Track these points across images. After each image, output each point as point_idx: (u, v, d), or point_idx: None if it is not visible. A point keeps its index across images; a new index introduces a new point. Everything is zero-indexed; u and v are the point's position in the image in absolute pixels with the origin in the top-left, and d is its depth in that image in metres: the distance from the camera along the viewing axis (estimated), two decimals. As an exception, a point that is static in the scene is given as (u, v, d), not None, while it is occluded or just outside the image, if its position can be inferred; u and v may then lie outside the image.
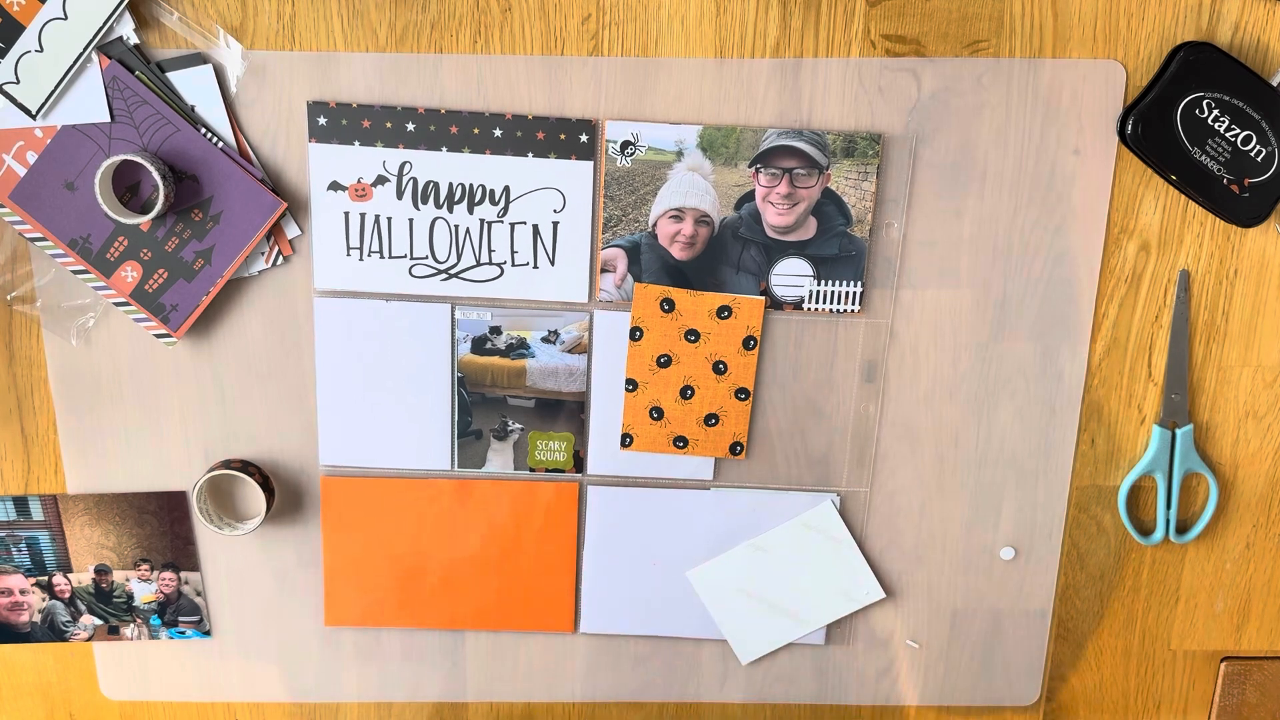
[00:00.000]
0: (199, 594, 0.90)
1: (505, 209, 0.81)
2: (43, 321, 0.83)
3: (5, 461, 0.86)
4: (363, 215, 0.81)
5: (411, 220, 0.81)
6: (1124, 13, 0.79)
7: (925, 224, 0.83)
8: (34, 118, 0.77)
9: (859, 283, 0.83)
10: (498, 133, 0.80)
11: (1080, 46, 0.80)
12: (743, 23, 0.78)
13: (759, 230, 0.82)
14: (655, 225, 0.82)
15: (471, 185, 0.81)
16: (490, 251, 0.82)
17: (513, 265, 0.83)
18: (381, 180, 0.80)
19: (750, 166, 0.81)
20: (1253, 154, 0.80)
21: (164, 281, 0.81)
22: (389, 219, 0.81)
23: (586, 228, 0.82)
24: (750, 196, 0.81)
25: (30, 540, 0.88)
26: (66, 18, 0.75)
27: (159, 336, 0.83)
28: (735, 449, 0.87)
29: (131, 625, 0.91)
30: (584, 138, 0.80)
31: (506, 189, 0.81)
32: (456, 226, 0.82)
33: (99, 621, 0.91)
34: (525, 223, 0.82)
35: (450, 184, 0.81)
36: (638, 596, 0.90)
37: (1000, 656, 0.93)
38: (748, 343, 0.85)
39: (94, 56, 0.76)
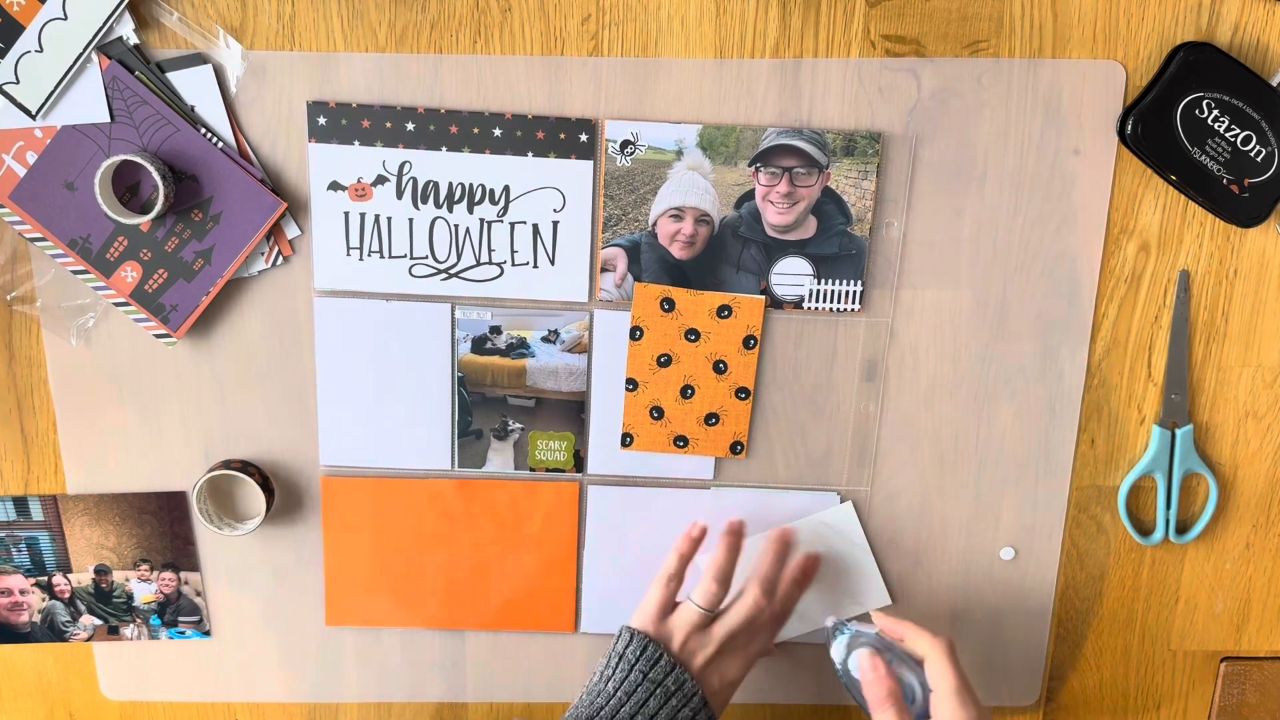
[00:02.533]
0: (199, 594, 0.90)
1: (505, 209, 0.81)
2: (43, 321, 0.83)
3: (5, 461, 0.86)
4: (363, 215, 0.81)
5: (411, 220, 0.81)
6: (1124, 13, 0.79)
7: (925, 224, 0.83)
8: (34, 118, 0.77)
9: (859, 282, 0.83)
10: (498, 132, 0.80)
11: (1080, 46, 0.80)
12: (743, 23, 0.78)
13: (759, 229, 0.82)
14: (655, 224, 0.82)
15: (471, 185, 0.81)
16: (490, 251, 0.82)
17: (513, 265, 0.83)
18: (381, 180, 0.80)
19: (750, 165, 0.81)
20: (1253, 154, 0.80)
21: (164, 281, 0.81)
22: (389, 219, 0.81)
23: (586, 227, 0.82)
24: (750, 195, 0.81)
25: (30, 540, 0.88)
26: (66, 18, 0.75)
27: (159, 336, 0.83)
28: (735, 448, 0.87)
29: (131, 625, 0.91)
30: (584, 137, 0.80)
31: (506, 189, 0.81)
32: (456, 226, 0.82)
33: (99, 621, 0.91)
34: (525, 222, 0.82)
35: (450, 184, 0.81)
36: (638, 596, 0.90)
37: (1000, 656, 0.93)
38: (748, 342, 0.84)
39: (94, 56, 0.76)
